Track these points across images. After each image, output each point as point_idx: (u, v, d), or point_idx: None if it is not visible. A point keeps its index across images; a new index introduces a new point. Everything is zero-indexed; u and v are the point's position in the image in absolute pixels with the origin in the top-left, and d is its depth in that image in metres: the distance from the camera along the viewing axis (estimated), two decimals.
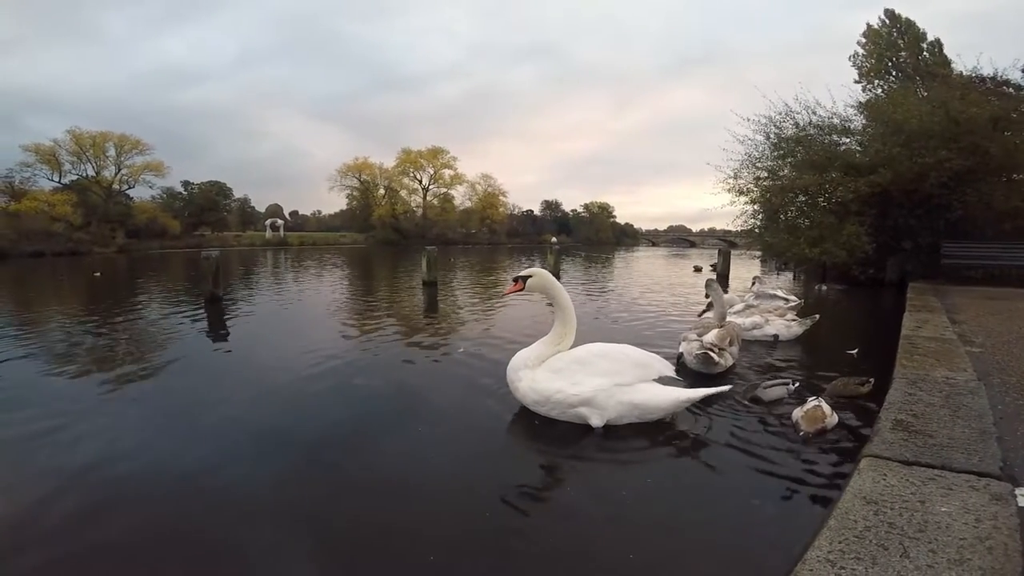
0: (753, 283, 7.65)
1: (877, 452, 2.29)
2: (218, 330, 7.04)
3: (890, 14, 24.46)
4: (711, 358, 4.39)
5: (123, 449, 3.10)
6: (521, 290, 3.65)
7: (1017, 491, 1.93)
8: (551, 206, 76.94)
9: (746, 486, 2.62)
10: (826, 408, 3.15)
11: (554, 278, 3.74)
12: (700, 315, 5.68)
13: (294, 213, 74.53)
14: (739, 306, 6.29)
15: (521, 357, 3.60)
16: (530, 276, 3.66)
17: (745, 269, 18.21)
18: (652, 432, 3.23)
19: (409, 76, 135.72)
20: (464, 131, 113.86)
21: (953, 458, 2.22)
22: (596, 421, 3.25)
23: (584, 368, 3.37)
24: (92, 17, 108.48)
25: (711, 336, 4.58)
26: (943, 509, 1.80)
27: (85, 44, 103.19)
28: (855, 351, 5.06)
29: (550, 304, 3.80)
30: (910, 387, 3.23)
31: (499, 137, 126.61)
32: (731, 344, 4.65)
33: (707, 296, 5.47)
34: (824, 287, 11.87)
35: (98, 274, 16.75)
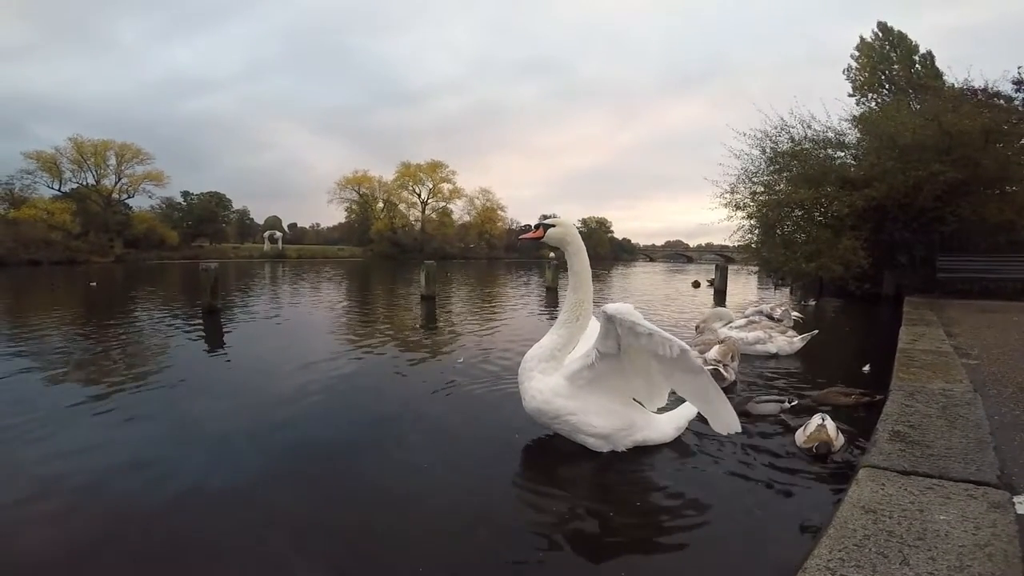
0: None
1: (875, 462, 2.30)
2: (216, 342, 7.03)
3: (883, 27, 24.78)
4: (720, 374, 4.39)
5: (119, 459, 3.07)
6: (540, 238, 3.25)
7: (1015, 499, 1.94)
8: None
9: (745, 497, 2.61)
10: (831, 428, 3.06)
11: (578, 234, 3.30)
12: (697, 330, 5.70)
13: (292, 226, 74.57)
14: (741, 321, 6.32)
15: (540, 350, 3.21)
16: (553, 225, 3.23)
17: (743, 285, 18.30)
18: (651, 446, 3.19)
19: (412, 90, 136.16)
20: (465, 145, 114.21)
21: (951, 467, 2.23)
22: (600, 448, 3.09)
23: (614, 396, 3.05)
24: (104, 26, 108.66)
25: (714, 352, 4.59)
26: (942, 517, 1.81)
27: (96, 53, 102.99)
28: (867, 368, 5.04)
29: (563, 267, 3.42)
30: (907, 399, 3.24)
31: (500, 151, 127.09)
32: (732, 359, 4.67)
33: (698, 330, 5.54)
34: (813, 302, 11.91)
35: (94, 284, 16.72)
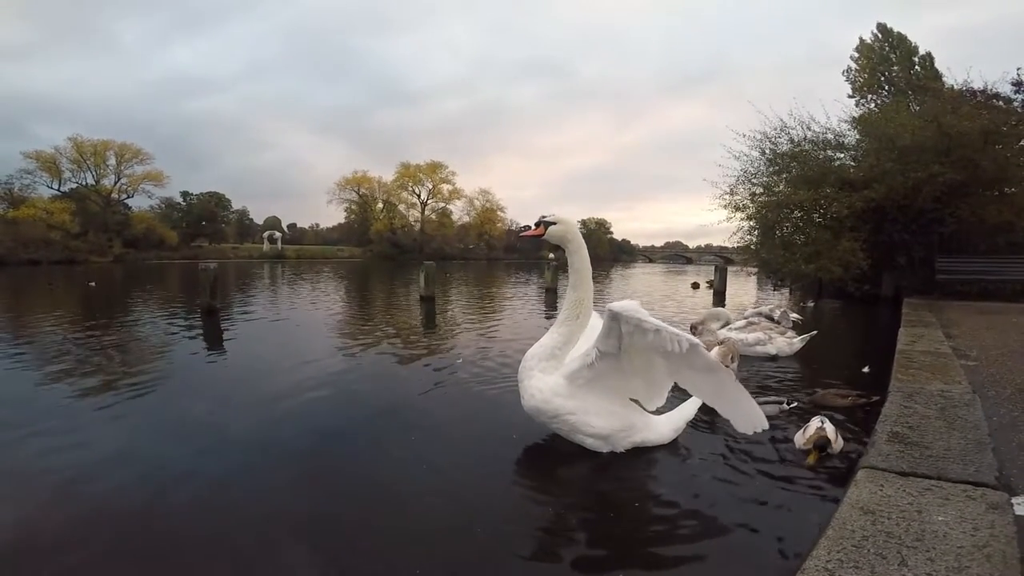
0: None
1: (874, 463, 2.30)
2: (215, 341, 7.02)
3: (882, 28, 24.84)
4: None
5: (117, 456, 3.07)
6: (541, 236, 3.21)
7: (1014, 500, 1.94)
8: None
9: (744, 498, 2.60)
10: (830, 430, 3.05)
11: (579, 232, 3.27)
12: (694, 331, 5.69)
13: (292, 226, 74.52)
14: (740, 323, 6.32)
15: (540, 349, 3.19)
16: (554, 223, 3.18)
17: (741, 286, 18.30)
18: (649, 448, 3.18)
19: (412, 91, 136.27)
20: (465, 146, 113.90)
21: (949, 468, 2.23)
22: (600, 449, 3.07)
23: (613, 396, 3.04)
24: (105, 26, 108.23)
25: (714, 354, 4.58)
26: (940, 518, 1.81)
27: (96, 53, 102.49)
28: (867, 368, 5.05)
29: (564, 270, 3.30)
30: (906, 400, 3.25)
31: (500, 152, 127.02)
32: (732, 360, 4.66)
33: (694, 330, 5.50)
34: (812, 303, 11.91)
35: (93, 283, 16.70)
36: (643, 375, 2.97)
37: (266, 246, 50.31)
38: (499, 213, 63.52)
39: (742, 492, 2.67)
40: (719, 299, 13.36)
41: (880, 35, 24.89)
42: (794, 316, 6.88)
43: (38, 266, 28.08)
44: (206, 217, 50.70)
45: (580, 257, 3.22)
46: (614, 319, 2.71)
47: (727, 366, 4.45)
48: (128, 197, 42.92)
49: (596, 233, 78.89)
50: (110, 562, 2.11)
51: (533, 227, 3.27)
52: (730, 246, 16.39)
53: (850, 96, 24.13)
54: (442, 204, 60.21)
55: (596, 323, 3.19)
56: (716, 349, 4.64)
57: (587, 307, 3.22)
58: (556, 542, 2.27)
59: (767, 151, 13.46)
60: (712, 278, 15.79)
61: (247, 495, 2.66)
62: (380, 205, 58.10)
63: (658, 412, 3.28)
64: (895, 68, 24.08)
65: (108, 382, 4.70)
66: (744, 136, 13.59)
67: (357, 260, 47.76)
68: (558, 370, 3.09)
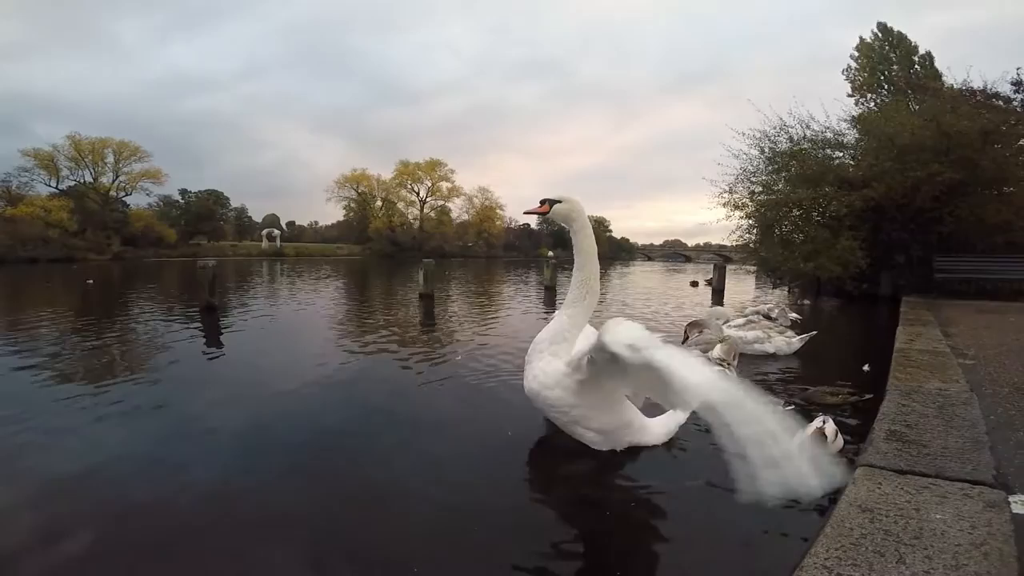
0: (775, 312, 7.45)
1: (872, 462, 2.30)
2: (213, 339, 7.00)
3: (883, 27, 24.85)
4: (725, 373, 4.39)
5: (112, 454, 3.07)
6: (546, 213, 3.15)
7: (1011, 498, 1.95)
8: (548, 220, 76.84)
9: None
10: (830, 430, 3.01)
11: (584, 212, 3.19)
12: (694, 328, 5.68)
13: (291, 224, 74.27)
14: (740, 320, 6.32)
15: (549, 333, 3.12)
16: (559, 201, 3.13)
17: (740, 284, 18.32)
18: (646, 448, 3.16)
19: (412, 90, 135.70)
20: (465, 145, 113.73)
21: (947, 467, 2.23)
22: (598, 446, 3.05)
23: (614, 392, 2.99)
24: (105, 25, 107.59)
25: (718, 351, 4.58)
26: (938, 516, 1.81)
27: (96, 52, 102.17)
28: (866, 367, 5.05)
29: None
30: (904, 398, 3.25)
31: (499, 151, 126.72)
32: (733, 358, 4.67)
33: (686, 335, 5.46)
34: (808, 302, 11.94)
35: (91, 281, 16.65)
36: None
37: (265, 244, 50.34)
38: (498, 211, 63.61)
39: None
40: (718, 297, 13.38)
41: (880, 34, 24.88)
42: (792, 315, 6.89)
43: (36, 264, 28.03)
44: (204, 215, 50.58)
45: (585, 236, 3.16)
46: (602, 350, 2.37)
47: (729, 363, 4.46)
48: (126, 195, 43.06)
49: (595, 231, 78.63)
50: (108, 559, 2.11)
51: (539, 204, 3.21)
52: (729, 244, 16.43)
53: (850, 95, 24.16)
54: (441, 202, 60.41)
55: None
56: (719, 347, 4.65)
57: (594, 288, 3.16)
58: (554, 541, 2.27)
59: (766, 150, 13.48)
60: (711, 276, 15.78)
61: (244, 492, 2.66)
62: (379, 203, 58.18)
63: (654, 415, 3.28)
64: (895, 67, 24.09)
65: (105, 379, 4.69)
66: (743, 135, 13.62)
67: (356, 258, 47.74)
68: (566, 355, 2.99)
